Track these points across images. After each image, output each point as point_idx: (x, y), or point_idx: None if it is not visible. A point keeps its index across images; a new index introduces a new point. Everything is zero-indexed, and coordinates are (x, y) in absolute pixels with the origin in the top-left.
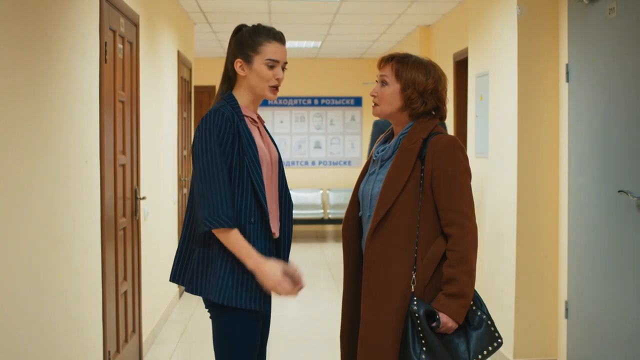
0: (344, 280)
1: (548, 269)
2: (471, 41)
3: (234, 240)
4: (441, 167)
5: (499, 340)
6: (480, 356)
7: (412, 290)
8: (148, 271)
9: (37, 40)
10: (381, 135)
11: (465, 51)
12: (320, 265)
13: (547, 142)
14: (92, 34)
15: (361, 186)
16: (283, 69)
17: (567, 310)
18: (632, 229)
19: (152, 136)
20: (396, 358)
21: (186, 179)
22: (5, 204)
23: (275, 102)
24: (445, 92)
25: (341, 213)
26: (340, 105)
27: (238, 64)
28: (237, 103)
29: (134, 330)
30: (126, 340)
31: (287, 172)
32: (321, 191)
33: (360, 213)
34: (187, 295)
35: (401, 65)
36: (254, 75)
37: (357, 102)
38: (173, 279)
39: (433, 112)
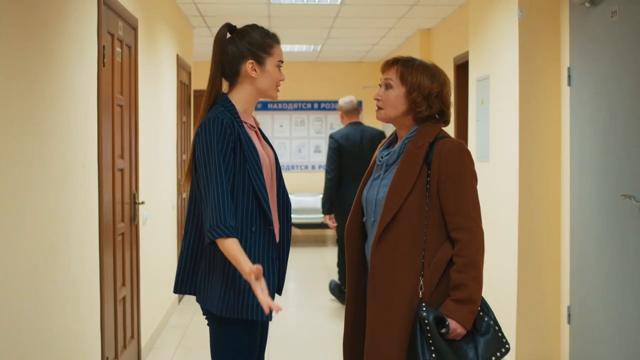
0: (347, 287)
1: (550, 274)
2: (472, 45)
3: (233, 249)
4: (448, 171)
5: (507, 345)
6: None
7: (420, 296)
8: (147, 276)
9: (34, 42)
10: (384, 140)
11: (466, 55)
12: (319, 270)
13: (548, 146)
14: (90, 37)
15: (365, 191)
16: None
17: (569, 315)
18: (635, 233)
19: (151, 140)
20: None
21: (185, 183)
22: (1, 210)
23: (275, 106)
24: (450, 95)
25: None
26: None
27: (250, 65)
28: (234, 108)
29: (132, 336)
30: (125, 346)
31: (287, 176)
32: (321, 195)
33: (364, 218)
34: (186, 300)
35: (406, 68)
36: (265, 76)
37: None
38: (179, 290)
39: (437, 116)
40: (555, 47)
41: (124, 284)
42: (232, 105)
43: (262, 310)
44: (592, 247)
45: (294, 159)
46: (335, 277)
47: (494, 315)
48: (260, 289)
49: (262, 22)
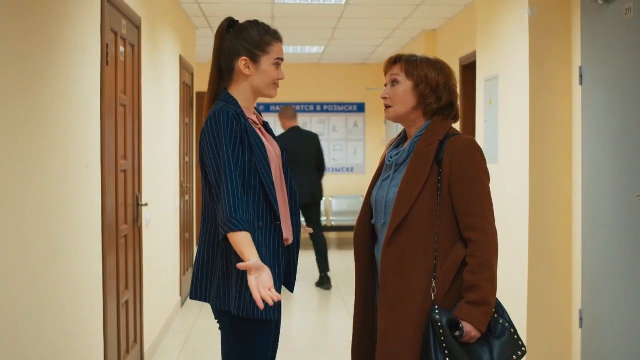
0: (356, 290)
1: (561, 277)
2: (479, 44)
3: (243, 241)
4: (459, 170)
5: (523, 348)
6: None
7: (432, 298)
8: (150, 279)
9: (35, 39)
10: (392, 139)
11: (472, 55)
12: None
13: (559, 146)
14: (93, 34)
15: (374, 192)
16: None
17: (581, 319)
18: None
19: (154, 141)
20: None
21: (188, 185)
22: (2, 211)
23: (278, 108)
24: (457, 88)
25: (344, 220)
26: (343, 111)
27: (243, 63)
28: (236, 102)
29: (135, 341)
30: (127, 351)
31: None
32: (324, 198)
33: (373, 220)
34: (188, 304)
35: (410, 63)
36: (260, 74)
37: (360, 108)
38: (196, 296)
39: (446, 113)
40: (566, 46)
41: (127, 287)
42: (234, 99)
43: (275, 309)
44: (605, 249)
45: None
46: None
47: (509, 317)
48: (255, 284)
49: (266, 23)
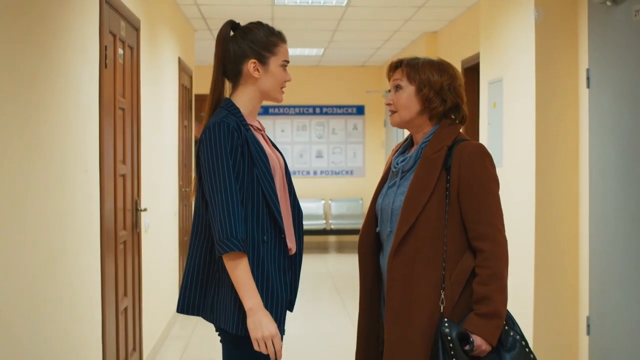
0: (360, 300)
1: (568, 283)
2: (483, 46)
3: (241, 272)
4: (468, 177)
5: None
6: None
7: (441, 310)
8: (148, 286)
9: (32, 41)
10: (398, 144)
11: (474, 57)
12: (323, 278)
13: (566, 150)
14: (91, 36)
15: (379, 200)
16: None
17: (588, 326)
18: None
19: (153, 145)
20: None
21: (187, 189)
22: None
23: (276, 110)
24: (463, 88)
25: (343, 223)
26: (343, 114)
27: (252, 65)
28: (239, 111)
29: (134, 349)
30: (126, 359)
31: None
32: (323, 201)
33: (378, 229)
34: None
35: (412, 67)
36: (269, 77)
37: (360, 110)
38: (183, 309)
39: (453, 116)
40: (573, 48)
41: (125, 294)
42: (237, 108)
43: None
44: (613, 255)
45: (296, 164)
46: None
47: (520, 330)
48: (261, 336)
49: None
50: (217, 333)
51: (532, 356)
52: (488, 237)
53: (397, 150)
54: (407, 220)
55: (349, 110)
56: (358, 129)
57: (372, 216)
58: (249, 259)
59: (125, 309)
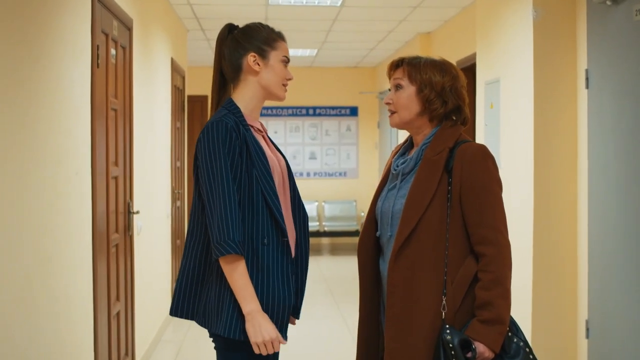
0: (360, 305)
1: (567, 286)
2: (479, 47)
3: (238, 276)
4: (470, 179)
5: None
6: None
7: (443, 317)
8: (141, 289)
9: (25, 39)
10: (398, 146)
11: (470, 58)
12: (316, 280)
13: (564, 152)
14: (83, 36)
15: (379, 203)
16: None
17: (587, 330)
18: None
19: (145, 146)
20: None
21: (180, 191)
22: None
23: (269, 111)
24: (465, 89)
25: (337, 225)
26: (336, 115)
27: (252, 59)
28: (239, 111)
29: (127, 354)
30: None
31: None
32: (316, 203)
33: (378, 233)
34: None
35: (413, 66)
36: (269, 71)
37: (353, 111)
38: (177, 313)
39: (454, 117)
40: (572, 48)
41: (117, 298)
42: (237, 107)
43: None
44: (613, 257)
45: None
46: (333, 287)
47: (523, 336)
48: (261, 340)
49: None
50: (212, 340)
51: None
52: (491, 241)
53: (396, 152)
54: (408, 224)
55: (343, 111)
56: (351, 130)
57: (372, 220)
58: (247, 262)
59: (118, 314)
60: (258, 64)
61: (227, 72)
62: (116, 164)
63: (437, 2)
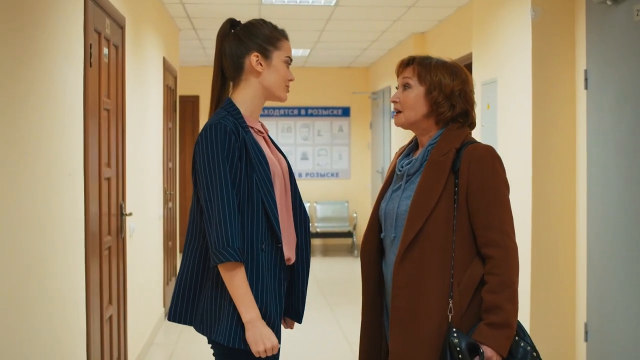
0: (363, 309)
1: (565, 289)
2: (476, 46)
3: (239, 283)
4: (478, 180)
5: None
6: None
7: (449, 320)
8: (133, 292)
9: (16, 37)
10: (402, 147)
11: (464, 59)
12: (309, 282)
13: (563, 153)
14: (76, 34)
15: (383, 204)
16: None
17: (586, 333)
18: None
19: (138, 147)
20: None
21: (172, 192)
22: None
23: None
24: (473, 94)
25: (329, 226)
26: (328, 115)
27: (254, 59)
28: (239, 112)
29: (119, 357)
30: None
31: None
32: (308, 204)
33: (382, 234)
34: None
35: (424, 66)
36: (272, 72)
37: (345, 112)
38: (175, 318)
39: (460, 120)
40: (570, 48)
41: (110, 302)
42: (237, 108)
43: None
44: (612, 260)
45: None
46: (326, 289)
47: (530, 340)
48: (263, 348)
49: None
50: (210, 346)
51: None
52: (498, 243)
53: (401, 153)
54: (414, 226)
55: (335, 111)
56: (344, 131)
57: (375, 221)
58: (246, 268)
59: (110, 317)
60: (261, 64)
61: (227, 70)
62: (109, 165)
63: (433, 2)
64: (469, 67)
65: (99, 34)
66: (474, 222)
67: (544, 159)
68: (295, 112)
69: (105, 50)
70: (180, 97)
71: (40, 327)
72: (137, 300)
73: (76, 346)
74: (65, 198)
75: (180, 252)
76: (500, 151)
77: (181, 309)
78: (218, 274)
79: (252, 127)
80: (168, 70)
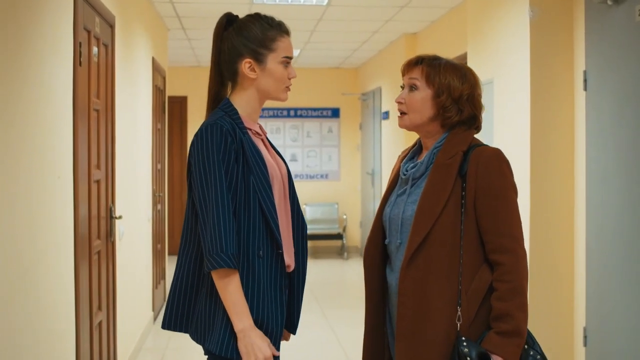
0: (366, 318)
1: (564, 293)
2: (471, 47)
3: (232, 291)
4: (486, 184)
5: None
6: None
7: (458, 328)
8: (123, 297)
9: (4, 34)
10: (406, 149)
11: (458, 59)
12: None
13: (561, 154)
14: (65, 32)
15: (387, 209)
16: None
17: (585, 337)
18: None
19: (127, 149)
20: None
21: (160, 194)
22: None
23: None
24: (481, 97)
25: (319, 228)
26: (317, 116)
27: (247, 65)
28: (237, 113)
29: None
30: None
31: None
32: None
33: (386, 240)
34: (160, 320)
35: (432, 68)
36: (267, 76)
37: (335, 113)
38: (170, 326)
39: (467, 124)
40: (569, 49)
41: (100, 308)
42: (234, 109)
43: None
44: (611, 264)
45: None
46: (318, 293)
47: (540, 348)
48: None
49: None
50: (205, 355)
51: None
52: (507, 249)
53: (404, 157)
54: (421, 231)
55: (324, 112)
56: (333, 132)
57: (379, 227)
58: (241, 276)
59: (100, 324)
60: (254, 70)
61: (224, 70)
62: (98, 167)
63: (425, 2)
64: None
65: (89, 32)
66: (481, 227)
67: (542, 161)
68: (284, 113)
69: (94, 50)
70: (168, 97)
71: (29, 334)
72: (126, 305)
73: (65, 353)
74: (55, 202)
75: (169, 254)
76: None
77: (176, 317)
78: (212, 279)
79: (250, 129)
80: (157, 70)
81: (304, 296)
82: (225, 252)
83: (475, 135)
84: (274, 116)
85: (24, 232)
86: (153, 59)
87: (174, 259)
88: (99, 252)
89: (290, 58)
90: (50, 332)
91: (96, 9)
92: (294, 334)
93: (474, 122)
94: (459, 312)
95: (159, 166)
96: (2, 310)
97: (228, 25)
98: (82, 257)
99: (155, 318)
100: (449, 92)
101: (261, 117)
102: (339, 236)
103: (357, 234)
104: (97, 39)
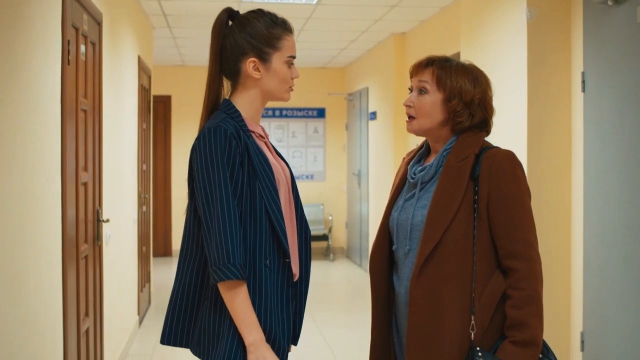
0: (373, 326)
1: (561, 298)
2: (464, 47)
3: (241, 303)
4: (499, 188)
5: None
6: None
7: (472, 338)
8: (109, 302)
9: None
10: (411, 152)
11: None
12: None
13: (558, 157)
14: (53, 30)
15: (395, 214)
16: None
17: (582, 342)
18: None
19: (114, 150)
20: None
21: (146, 196)
22: None
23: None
24: (492, 100)
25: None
26: (303, 116)
27: (251, 65)
28: (239, 115)
29: None
30: None
31: None
32: None
33: (394, 246)
34: (146, 323)
35: (443, 70)
36: (272, 76)
37: (321, 113)
38: (169, 341)
39: (477, 128)
40: (567, 50)
41: (87, 314)
42: (237, 110)
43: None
44: (609, 268)
45: None
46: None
47: (554, 357)
48: None
49: None
50: None
51: None
52: (522, 255)
53: (410, 159)
54: (432, 237)
55: (310, 112)
56: (319, 132)
57: (385, 232)
58: (248, 286)
59: (87, 331)
60: (258, 70)
61: (224, 70)
62: (85, 169)
63: (416, 2)
64: None
65: (77, 29)
66: (495, 233)
67: (539, 164)
68: (270, 112)
69: (82, 48)
70: (155, 96)
71: (16, 343)
72: (113, 310)
73: None
74: (43, 206)
75: (154, 256)
76: None
77: (176, 331)
78: (217, 291)
79: (253, 132)
80: (143, 69)
81: None
82: (233, 262)
83: None
84: None
85: (13, 236)
86: (139, 57)
87: (159, 261)
88: (86, 257)
89: (294, 57)
90: (38, 340)
91: (84, 5)
92: (295, 345)
93: (485, 126)
94: (473, 321)
95: (144, 167)
96: None
97: (229, 20)
98: (69, 262)
99: (140, 322)
100: (461, 96)
101: None
102: (324, 237)
103: (343, 235)
104: (85, 37)
